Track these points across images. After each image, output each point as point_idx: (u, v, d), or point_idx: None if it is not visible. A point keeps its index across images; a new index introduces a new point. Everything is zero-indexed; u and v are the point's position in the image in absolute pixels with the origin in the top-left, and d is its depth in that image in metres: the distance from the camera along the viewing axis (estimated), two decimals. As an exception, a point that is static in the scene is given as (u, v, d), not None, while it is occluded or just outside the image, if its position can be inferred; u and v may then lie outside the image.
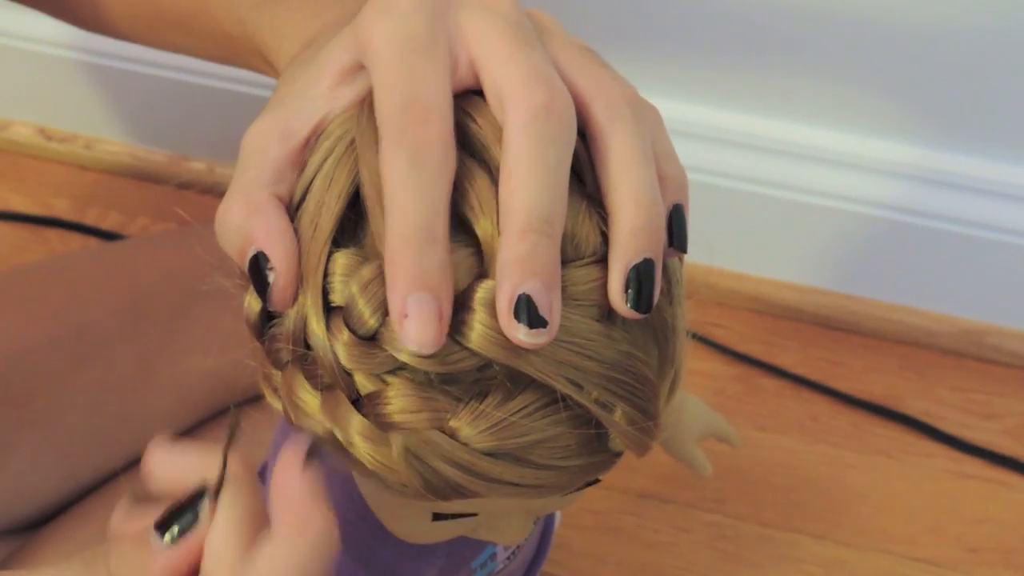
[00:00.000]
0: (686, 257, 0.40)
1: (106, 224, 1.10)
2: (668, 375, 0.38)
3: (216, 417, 0.72)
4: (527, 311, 0.33)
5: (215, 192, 1.05)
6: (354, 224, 0.36)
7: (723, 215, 0.99)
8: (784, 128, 0.96)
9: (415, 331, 0.33)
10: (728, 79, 0.95)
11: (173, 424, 0.71)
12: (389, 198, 0.33)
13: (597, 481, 0.39)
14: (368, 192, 0.35)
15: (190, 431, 0.72)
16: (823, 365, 1.00)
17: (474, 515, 0.41)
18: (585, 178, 0.36)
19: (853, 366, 1.00)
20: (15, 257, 1.06)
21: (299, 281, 0.35)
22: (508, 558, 0.55)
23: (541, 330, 0.33)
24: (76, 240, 1.08)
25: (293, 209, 0.36)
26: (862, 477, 0.94)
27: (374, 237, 0.35)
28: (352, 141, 0.36)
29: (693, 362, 1.08)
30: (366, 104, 0.36)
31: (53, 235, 1.09)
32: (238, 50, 0.50)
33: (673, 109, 0.97)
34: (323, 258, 0.35)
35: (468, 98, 0.36)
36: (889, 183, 0.95)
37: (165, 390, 0.70)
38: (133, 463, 0.69)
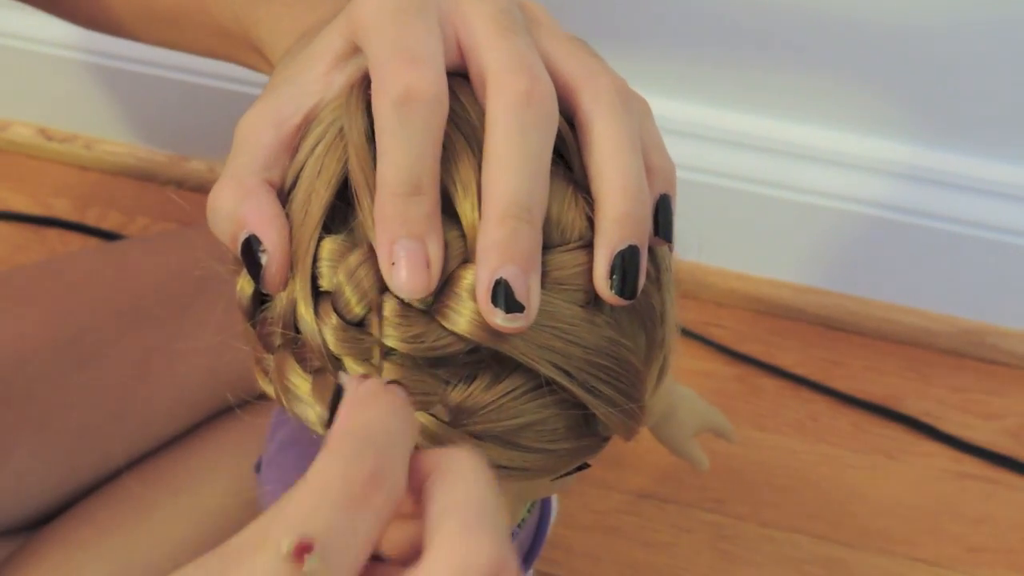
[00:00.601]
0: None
1: (106, 224, 1.10)
2: (656, 360, 0.38)
3: (216, 416, 0.72)
4: (504, 296, 0.33)
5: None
6: (344, 210, 0.36)
7: (723, 215, 0.99)
8: (784, 128, 0.96)
9: (404, 278, 0.33)
10: (728, 79, 0.95)
11: (172, 423, 0.71)
12: (379, 147, 0.34)
13: (587, 466, 0.39)
14: (355, 175, 0.35)
15: (190, 430, 0.72)
16: (823, 365, 1.00)
17: None
18: (572, 164, 0.36)
19: (853, 366, 1.00)
20: (15, 257, 1.06)
21: (291, 264, 0.36)
22: (502, 544, 0.55)
23: (518, 315, 0.34)
24: (76, 240, 1.08)
25: (284, 195, 0.37)
26: (862, 477, 0.94)
27: (361, 222, 0.35)
28: (343, 127, 0.36)
29: (693, 362, 1.09)
30: (356, 86, 0.36)
31: (53, 235, 1.09)
32: (234, 46, 0.50)
33: (673, 108, 0.97)
34: (312, 244, 0.35)
35: (455, 79, 0.36)
36: (889, 183, 0.95)
37: (165, 389, 0.70)
38: (133, 462, 0.69)
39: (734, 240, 1.02)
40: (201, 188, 1.10)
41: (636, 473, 0.93)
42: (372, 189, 0.34)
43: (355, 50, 0.37)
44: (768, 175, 0.97)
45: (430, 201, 0.34)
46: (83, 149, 1.13)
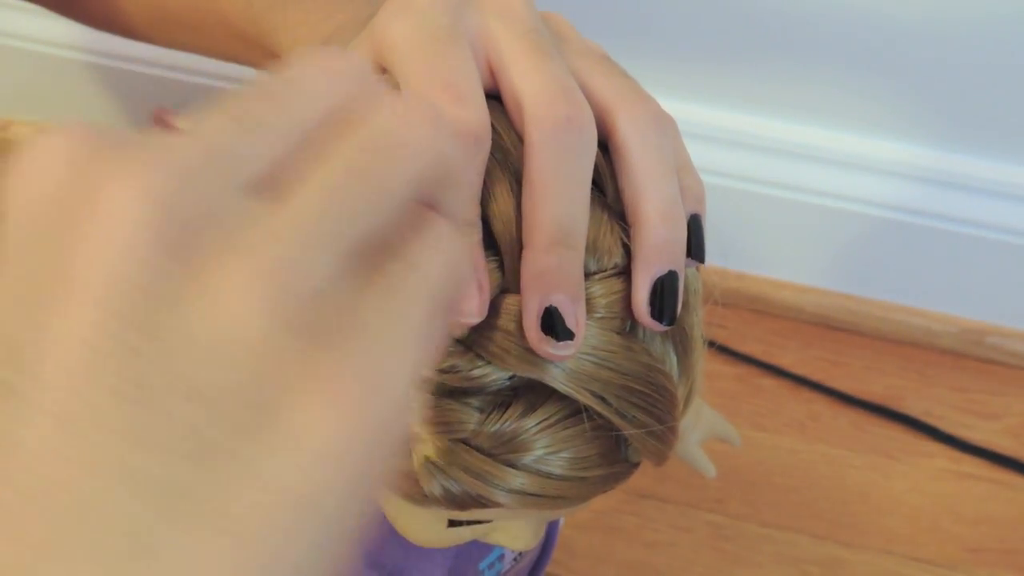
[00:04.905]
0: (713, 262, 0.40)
1: (106, 224, 1.09)
2: (686, 384, 0.38)
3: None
4: (555, 324, 0.33)
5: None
6: None
7: (723, 215, 0.99)
8: (784, 128, 0.96)
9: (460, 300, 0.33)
10: (728, 78, 0.95)
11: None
12: None
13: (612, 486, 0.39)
14: None
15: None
16: (823, 365, 1.00)
17: (489, 521, 0.41)
18: (606, 189, 0.36)
19: (853, 366, 1.00)
20: (15, 257, 1.06)
21: None
22: (515, 559, 0.55)
23: (568, 343, 0.33)
24: (76, 240, 1.08)
25: None
26: (862, 477, 0.94)
27: None
28: None
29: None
30: None
31: (53, 235, 1.09)
32: (251, 50, 0.50)
33: (672, 108, 0.96)
34: None
35: (489, 103, 0.35)
36: (889, 183, 0.95)
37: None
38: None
39: (734, 240, 1.01)
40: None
41: (636, 473, 0.92)
42: None
43: (379, 70, 0.36)
44: (768, 174, 0.97)
45: (477, 233, 0.34)
46: (83, 149, 1.13)
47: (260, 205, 0.23)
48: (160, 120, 0.29)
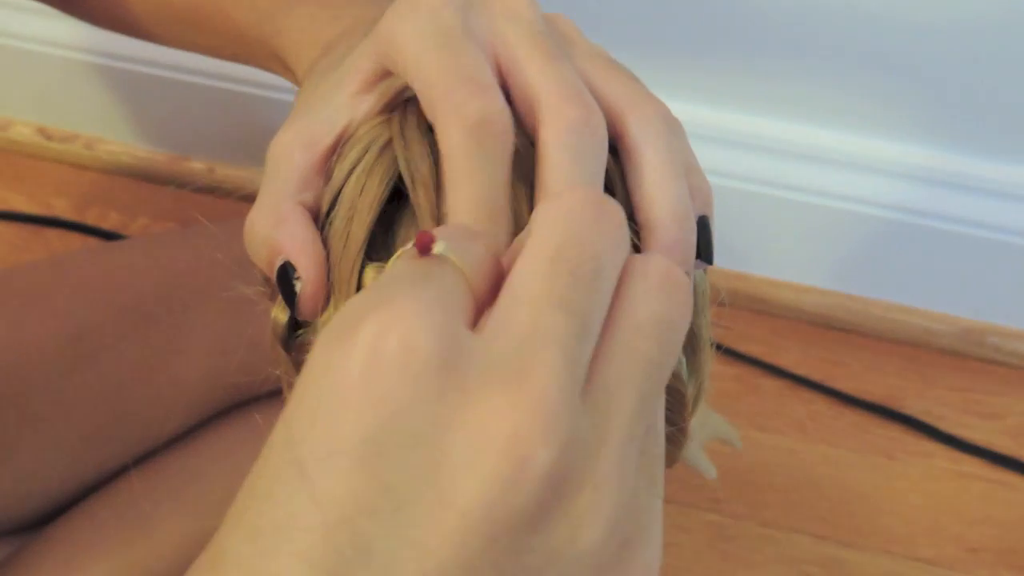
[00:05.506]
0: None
1: (106, 224, 1.10)
2: (695, 385, 0.38)
3: (217, 416, 0.72)
4: None
5: (220, 192, 1.06)
6: (383, 236, 0.35)
7: (723, 215, 0.99)
8: (785, 128, 0.96)
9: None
10: (729, 79, 0.95)
11: (174, 423, 0.71)
12: (453, 172, 0.33)
13: None
14: (421, 199, 0.34)
15: (190, 431, 0.72)
16: (823, 365, 1.00)
17: None
18: (615, 191, 0.36)
19: (853, 366, 1.00)
20: (15, 257, 1.06)
21: (328, 290, 0.35)
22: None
23: None
24: (76, 240, 1.08)
25: (322, 218, 0.36)
26: (862, 477, 0.94)
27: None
28: (383, 147, 0.35)
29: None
30: (408, 108, 0.36)
31: (53, 235, 1.09)
32: (255, 52, 0.50)
33: (674, 109, 0.97)
34: (356, 268, 0.35)
35: None
36: (890, 183, 0.95)
37: (165, 389, 0.70)
38: (135, 462, 0.69)
39: (734, 240, 1.02)
40: (201, 188, 1.10)
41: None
42: (435, 210, 0.34)
43: (385, 73, 0.36)
44: (768, 175, 0.97)
45: (504, 230, 0.33)
46: (83, 149, 1.13)
47: (594, 414, 0.26)
48: (424, 247, 0.30)
